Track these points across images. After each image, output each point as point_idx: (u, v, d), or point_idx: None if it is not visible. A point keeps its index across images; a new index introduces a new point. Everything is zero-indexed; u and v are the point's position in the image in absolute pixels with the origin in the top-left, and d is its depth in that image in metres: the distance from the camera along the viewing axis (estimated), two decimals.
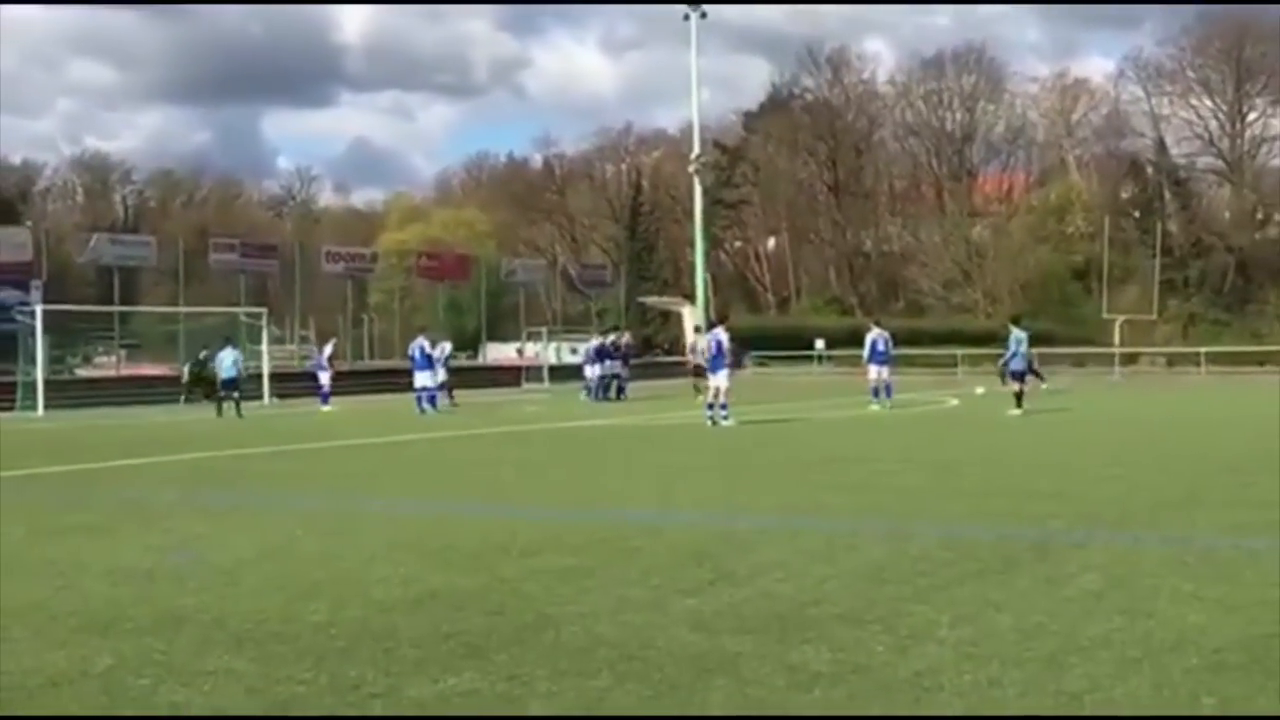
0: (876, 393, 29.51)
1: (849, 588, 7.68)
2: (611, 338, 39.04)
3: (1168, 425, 24.55)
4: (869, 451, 18.42)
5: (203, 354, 37.82)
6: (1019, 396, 26.23)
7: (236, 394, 32.32)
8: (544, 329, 58.54)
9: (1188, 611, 6.91)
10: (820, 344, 63.46)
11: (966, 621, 6.70)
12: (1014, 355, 26.88)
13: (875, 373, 29.87)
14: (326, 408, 33.06)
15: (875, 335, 30.46)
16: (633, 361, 41.21)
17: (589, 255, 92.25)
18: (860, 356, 31.49)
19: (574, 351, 59.24)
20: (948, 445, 20.07)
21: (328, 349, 36.40)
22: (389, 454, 19.62)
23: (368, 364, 60.36)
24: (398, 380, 39.15)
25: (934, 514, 11.33)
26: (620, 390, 37.26)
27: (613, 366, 37.51)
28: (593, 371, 37.49)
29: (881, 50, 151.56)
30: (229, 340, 34.92)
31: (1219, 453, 17.50)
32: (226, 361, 33.16)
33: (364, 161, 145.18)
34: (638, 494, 13.41)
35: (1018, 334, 27.15)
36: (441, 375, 33.77)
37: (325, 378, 34.46)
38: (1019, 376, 26.71)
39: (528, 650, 6.19)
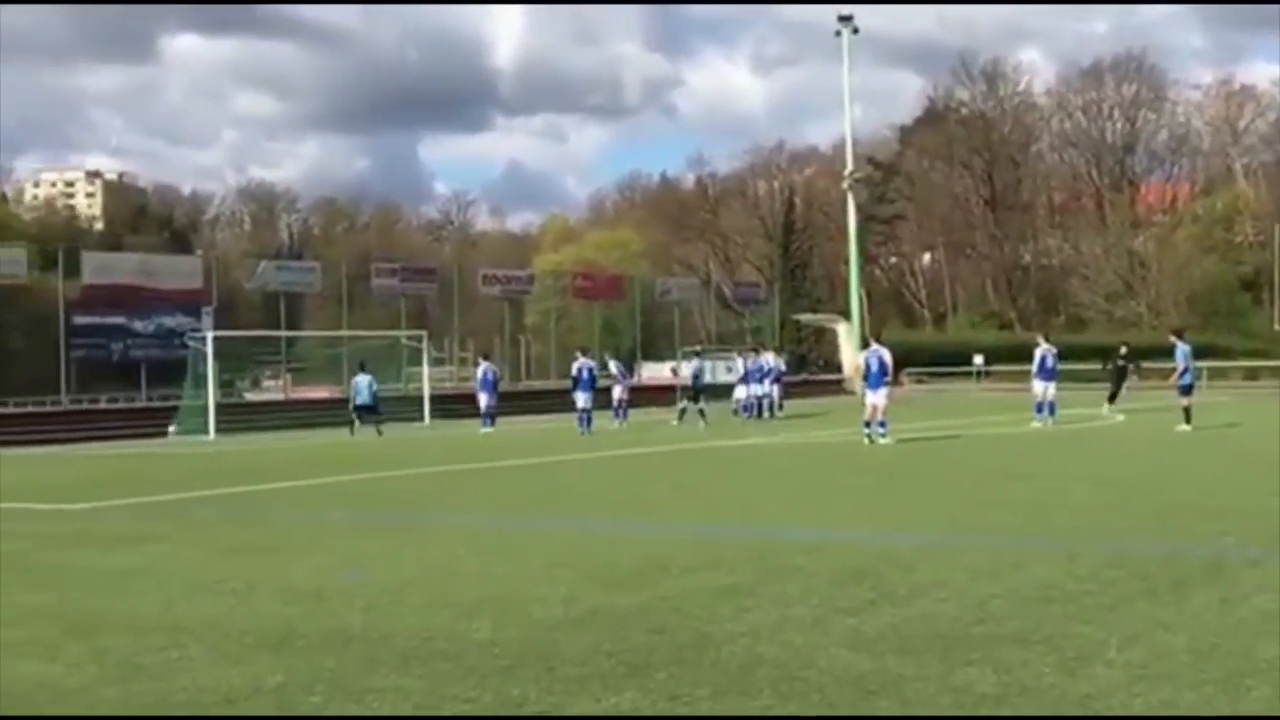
0: (1040, 409, 28.97)
1: (1014, 607, 7.55)
2: (751, 358, 38.24)
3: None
4: (1033, 468, 18.08)
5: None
6: (1186, 411, 25.56)
7: (376, 417, 33.29)
8: (698, 347, 58.53)
9: None
10: (979, 359, 62.51)
11: (1136, 643, 6.54)
12: (1186, 370, 26.26)
13: (1041, 388, 29.32)
14: (487, 429, 33.38)
15: (1044, 350, 29.93)
16: (785, 379, 40.70)
17: (742, 273, 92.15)
18: (1021, 372, 30.95)
19: (729, 370, 59.16)
20: (1114, 461, 19.63)
21: (479, 371, 36.52)
22: (549, 474, 19.81)
23: (524, 384, 60.99)
24: (555, 400, 39.45)
25: (1101, 532, 11.09)
26: (772, 409, 36.83)
27: (760, 387, 36.99)
28: (743, 392, 37.13)
29: (1037, 60, 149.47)
30: (363, 366, 35.73)
31: None
32: (362, 387, 34.02)
33: (519, 184, 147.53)
34: (796, 512, 13.35)
35: (1182, 347, 26.48)
36: (618, 393, 34.18)
37: (485, 399, 34.62)
38: (1187, 391, 26.04)
39: (688, 669, 6.20)
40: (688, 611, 7.63)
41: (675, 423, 33.08)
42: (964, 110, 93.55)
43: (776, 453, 23.50)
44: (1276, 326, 65.26)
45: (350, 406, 34.57)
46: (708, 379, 55.60)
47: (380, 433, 32.46)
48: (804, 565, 9.30)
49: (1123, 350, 36.25)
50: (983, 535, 11.12)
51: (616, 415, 33.76)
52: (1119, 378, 35.56)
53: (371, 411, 33.87)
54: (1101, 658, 6.24)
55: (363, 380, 34.38)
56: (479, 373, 36.39)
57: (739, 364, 39.12)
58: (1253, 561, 9.13)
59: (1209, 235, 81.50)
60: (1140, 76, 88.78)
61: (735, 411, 36.64)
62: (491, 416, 34.13)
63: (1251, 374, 58.74)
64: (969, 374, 62.89)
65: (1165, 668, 6.01)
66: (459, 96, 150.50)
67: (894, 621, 7.20)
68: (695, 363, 36.20)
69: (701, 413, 32.81)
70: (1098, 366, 56.96)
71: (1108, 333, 75.94)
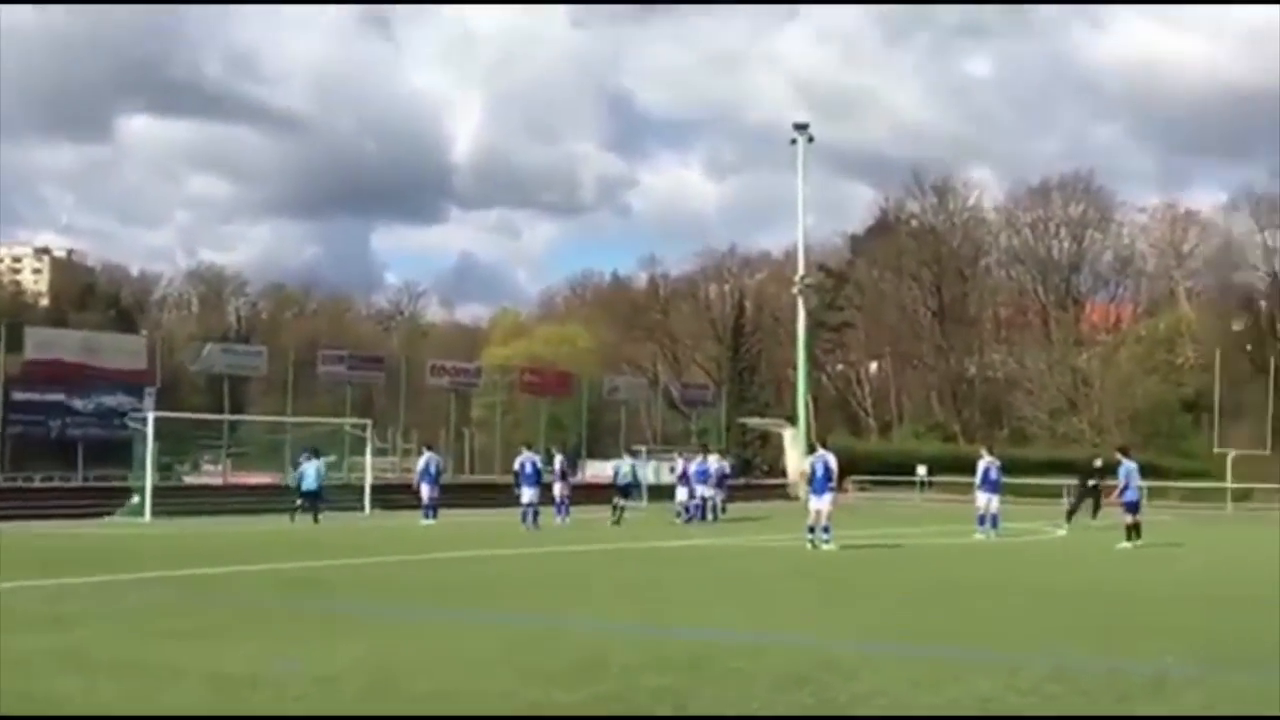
0: (983, 520, 29.07)
1: None
2: (697, 460, 38.07)
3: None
4: (975, 579, 18.08)
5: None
6: (1130, 529, 25.66)
7: (319, 504, 32.95)
8: (644, 447, 58.44)
9: None
10: (922, 470, 62.66)
11: None
12: (1126, 487, 26.35)
13: (984, 500, 29.44)
14: (429, 521, 33.06)
15: (987, 462, 30.11)
16: (729, 483, 40.59)
17: (690, 374, 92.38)
18: (964, 483, 31.08)
19: (671, 470, 59.04)
20: (1056, 575, 19.63)
21: (422, 461, 36.23)
22: (490, 567, 19.61)
23: (469, 478, 60.64)
24: (498, 494, 39.18)
25: (1043, 645, 11.04)
26: (715, 511, 36.66)
27: (704, 488, 36.73)
28: (683, 493, 36.93)
29: (987, 176, 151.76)
30: (315, 452, 35.37)
31: None
32: (309, 473, 33.61)
33: (470, 277, 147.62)
34: (737, 615, 13.23)
35: (1128, 465, 26.65)
36: (558, 489, 34.02)
37: (428, 490, 34.34)
38: (1132, 508, 26.12)
39: None
40: (626, 711, 7.51)
41: (610, 524, 32.91)
42: (915, 223, 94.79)
43: (719, 554, 23.38)
44: (1216, 449, 65.99)
45: (295, 491, 34.16)
46: (651, 479, 55.89)
47: (317, 520, 32.13)
48: (744, 668, 9.20)
49: (1097, 463, 36.08)
50: (925, 645, 11.06)
51: (559, 512, 33.56)
52: (1084, 496, 35.59)
53: (317, 498, 33.46)
54: None
55: (309, 467, 33.97)
56: (421, 463, 36.07)
57: (679, 465, 38.94)
58: (1193, 680, 9.11)
59: (1151, 356, 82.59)
60: (1088, 197, 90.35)
61: (677, 513, 36.38)
62: (433, 508, 33.80)
63: (1191, 494, 59.22)
64: (913, 484, 62.94)
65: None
66: (414, 188, 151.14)
67: None
68: (627, 462, 36.32)
69: (622, 511, 33.47)
70: (1055, 482, 57.61)
71: (1050, 448, 76.58)
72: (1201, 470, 64.90)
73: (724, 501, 38.07)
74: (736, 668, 9.24)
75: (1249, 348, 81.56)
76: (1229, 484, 59.42)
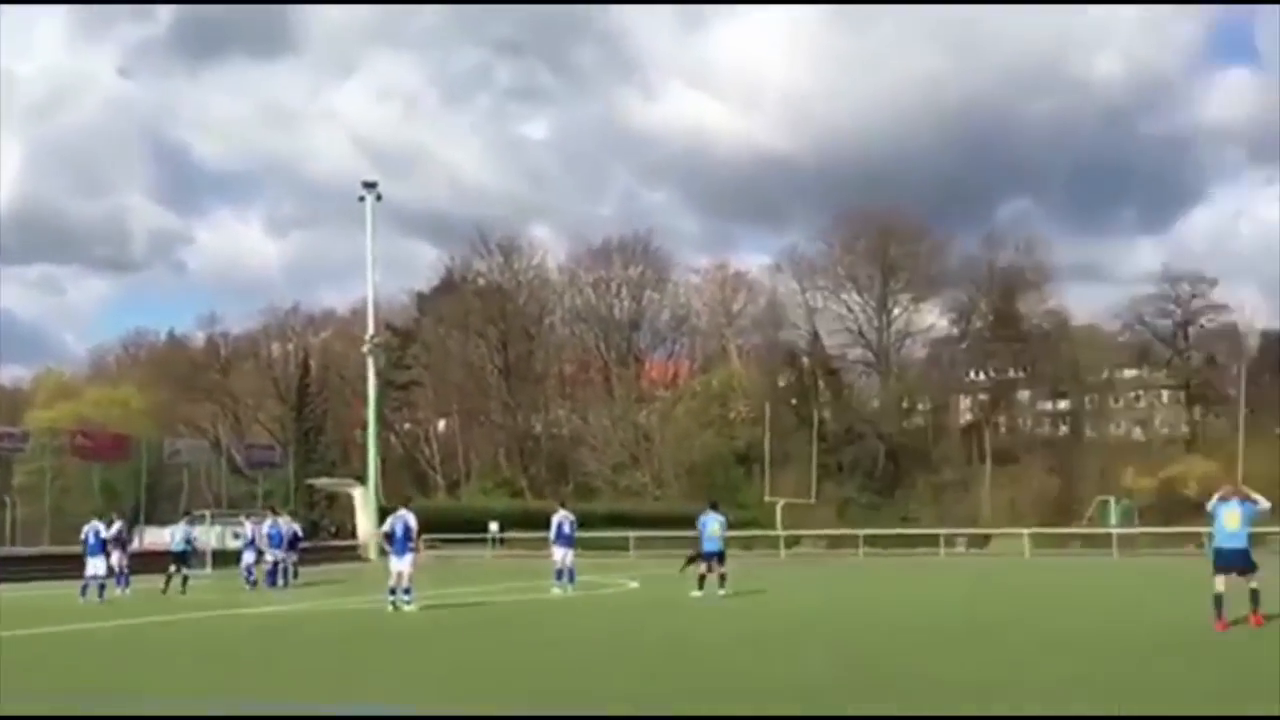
0: (560, 575, 29.37)
1: None
2: (267, 523, 36.98)
3: (834, 609, 25.43)
4: (556, 635, 18.39)
5: None
6: (702, 579, 26.57)
7: None
8: (207, 512, 56.36)
9: None
10: (494, 526, 63.15)
11: None
12: (709, 538, 27.14)
13: (560, 554, 29.68)
14: None
15: (561, 516, 30.27)
16: (300, 545, 39.63)
17: (254, 435, 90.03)
18: (535, 539, 31.46)
19: (236, 536, 57.14)
20: (637, 630, 20.22)
21: None
22: (39, 647, 18.40)
23: (9, 550, 56.56)
24: (44, 566, 36.88)
25: (620, 695, 11.39)
26: (287, 575, 35.73)
27: (278, 553, 35.79)
28: (249, 557, 35.82)
29: (550, 236, 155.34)
30: None
31: (898, 629, 18.25)
32: None
33: (9, 336, 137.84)
34: (314, 685, 12.97)
35: (714, 516, 27.45)
36: (116, 558, 31.46)
37: None
38: (711, 558, 26.97)
39: None
40: None
41: (163, 592, 31.63)
42: (481, 281, 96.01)
43: (292, 622, 22.83)
44: (766, 498, 69.80)
45: None
46: (214, 545, 53.88)
47: None
48: None
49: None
50: (494, 699, 11.20)
51: (119, 582, 31.72)
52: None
53: None
54: None
55: None
56: None
57: (248, 529, 37.68)
58: None
59: (706, 411, 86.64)
60: (646, 258, 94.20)
61: (245, 578, 35.26)
62: None
63: (747, 544, 62.10)
64: (483, 540, 63.33)
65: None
66: None
67: None
68: (184, 528, 35.19)
69: (184, 580, 32.51)
70: (620, 534, 59.25)
71: (614, 500, 79.01)
72: (753, 520, 68.28)
73: (295, 565, 37.15)
74: None
75: (794, 401, 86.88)
76: (780, 531, 62.81)
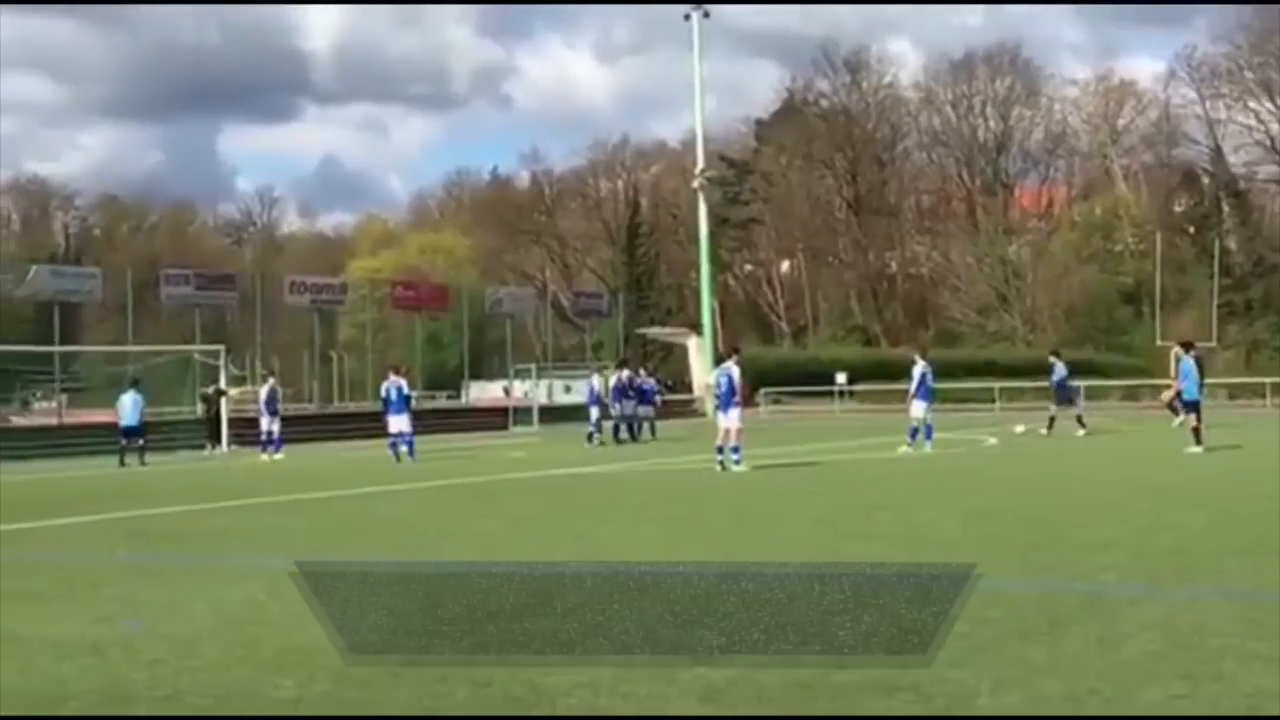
0: (915, 433, 29.08)
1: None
2: (622, 374, 38.82)
3: (1229, 467, 24.50)
4: (900, 498, 18.37)
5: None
6: (1052, 421, 26.41)
7: (140, 442, 32.48)
8: (533, 365, 58.48)
9: (1258, 675, 6.87)
10: (842, 378, 63.29)
11: (1010, 687, 6.67)
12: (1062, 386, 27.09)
13: (919, 409, 29.32)
14: (276, 455, 33.12)
15: (922, 367, 29.76)
16: (658, 399, 41.52)
17: (582, 282, 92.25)
18: (888, 391, 31.40)
19: (567, 389, 59.11)
20: (986, 491, 20.01)
21: (264, 390, 36.11)
22: (360, 507, 19.56)
23: (337, 406, 60.17)
24: (370, 425, 39.04)
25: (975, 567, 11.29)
26: (638, 431, 37.86)
27: (628, 406, 37.62)
28: (597, 412, 37.40)
29: (906, 51, 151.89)
30: (135, 383, 34.84)
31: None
32: (127, 407, 32.93)
33: (332, 182, 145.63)
34: (638, 547, 13.35)
35: (1060, 367, 27.26)
36: (396, 425, 31.72)
37: (267, 423, 34.40)
38: (1067, 401, 26.88)
39: None
40: (517, 661, 7.58)
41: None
42: (825, 104, 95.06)
43: (619, 481, 23.53)
44: (1159, 343, 67.42)
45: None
46: (544, 400, 55.93)
47: (143, 461, 31.70)
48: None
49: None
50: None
51: (393, 448, 31.35)
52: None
53: (138, 435, 32.86)
54: (972, 704, 6.34)
55: (127, 400, 33.35)
56: (264, 393, 36.02)
57: (595, 382, 39.06)
58: (1132, 599, 9.38)
59: (1087, 243, 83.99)
60: (1014, 70, 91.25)
61: (589, 436, 36.86)
62: (277, 442, 33.95)
63: (1131, 393, 60.46)
64: (830, 394, 63.64)
65: (1040, 715, 6.13)
66: (266, 82, 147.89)
67: (747, 669, 7.23)
68: (615, 375, 37.27)
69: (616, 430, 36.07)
70: (986, 385, 58.73)
71: (979, 347, 77.85)
72: (1142, 367, 66.24)
73: (651, 421, 39.24)
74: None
75: (1191, 230, 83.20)
76: (1173, 380, 60.63)
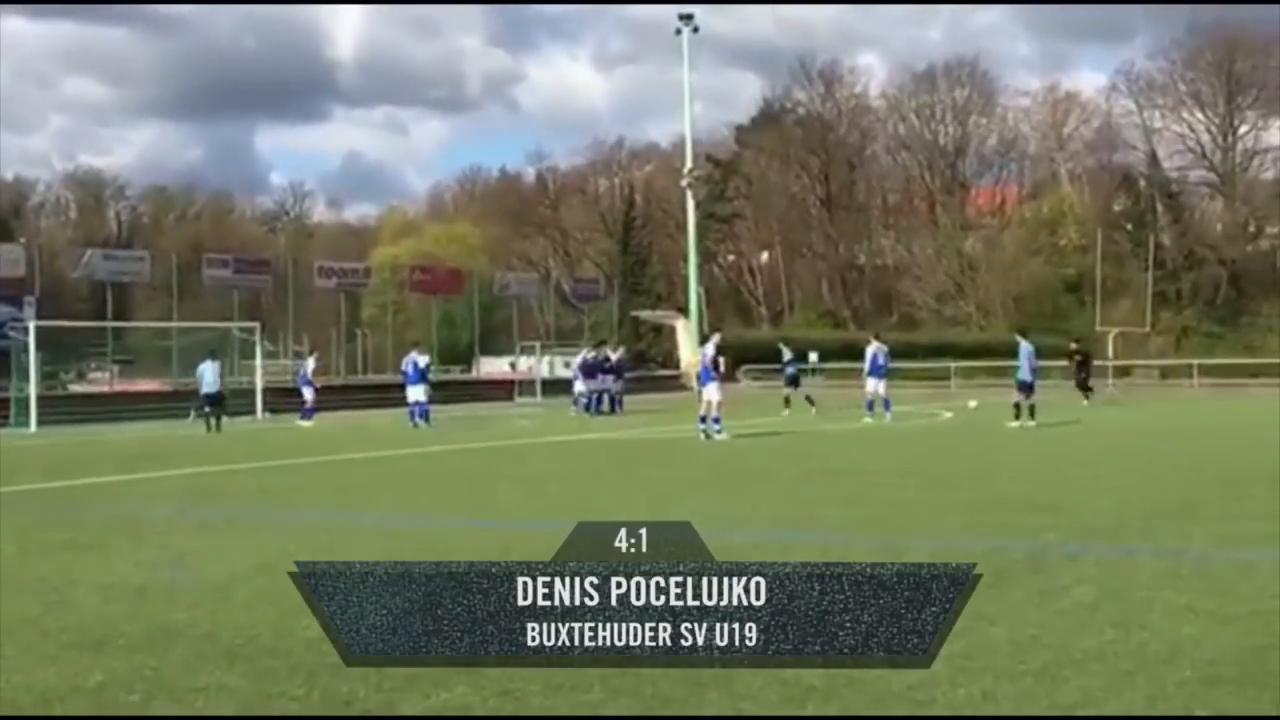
0: (871, 406, 29.51)
1: None
2: (601, 352, 38.88)
3: (1162, 437, 24.58)
4: (863, 465, 18.41)
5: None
6: (1018, 408, 26.18)
7: (218, 409, 32.39)
8: (537, 343, 58.48)
9: (1182, 624, 6.91)
10: (814, 357, 63.28)
11: (959, 635, 6.65)
12: (1021, 367, 26.78)
13: (872, 386, 29.83)
14: (307, 423, 33.14)
15: (874, 349, 30.36)
16: (626, 375, 41.04)
17: (582, 269, 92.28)
18: (855, 369, 31.53)
19: (567, 365, 59.13)
20: (942, 458, 20.04)
21: (309, 364, 36.30)
22: (380, 469, 19.58)
23: (361, 379, 60.31)
24: (390, 395, 39.12)
25: (927, 527, 11.33)
26: (614, 404, 37.23)
27: (604, 381, 37.41)
28: (582, 386, 37.49)
29: (874, 64, 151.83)
30: (213, 353, 34.66)
31: (1214, 465, 17.50)
32: (207, 374, 32.82)
33: (357, 176, 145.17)
34: (631, 508, 13.36)
35: (1026, 346, 27.04)
36: (414, 394, 32.25)
37: (309, 393, 34.53)
38: (1025, 389, 26.52)
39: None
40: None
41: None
42: (801, 111, 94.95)
43: (612, 448, 23.56)
44: (1098, 327, 67.44)
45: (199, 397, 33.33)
46: (546, 374, 55.90)
47: (215, 427, 31.53)
48: None
49: (1073, 347, 39.80)
50: (813, 530, 11.28)
51: (412, 415, 31.83)
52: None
53: (216, 402, 32.63)
54: None
55: (208, 369, 33.08)
56: (310, 366, 36.18)
57: (578, 359, 39.21)
58: (1072, 556, 9.41)
59: (1035, 238, 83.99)
60: (972, 81, 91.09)
61: (575, 402, 37.01)
62: (312, 410, 34.04)
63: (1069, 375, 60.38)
64: (804, 371, 63.44)
65: (986, 659, 6.16)
66: (297, 86, 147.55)
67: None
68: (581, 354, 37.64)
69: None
70: (941, 365, 58.90)
71: (937, 331, 77.94)
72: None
73: (621, 394, 38.58)
74: None
75: (1129, 227, 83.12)
76: (1110, 361, 60.77)
